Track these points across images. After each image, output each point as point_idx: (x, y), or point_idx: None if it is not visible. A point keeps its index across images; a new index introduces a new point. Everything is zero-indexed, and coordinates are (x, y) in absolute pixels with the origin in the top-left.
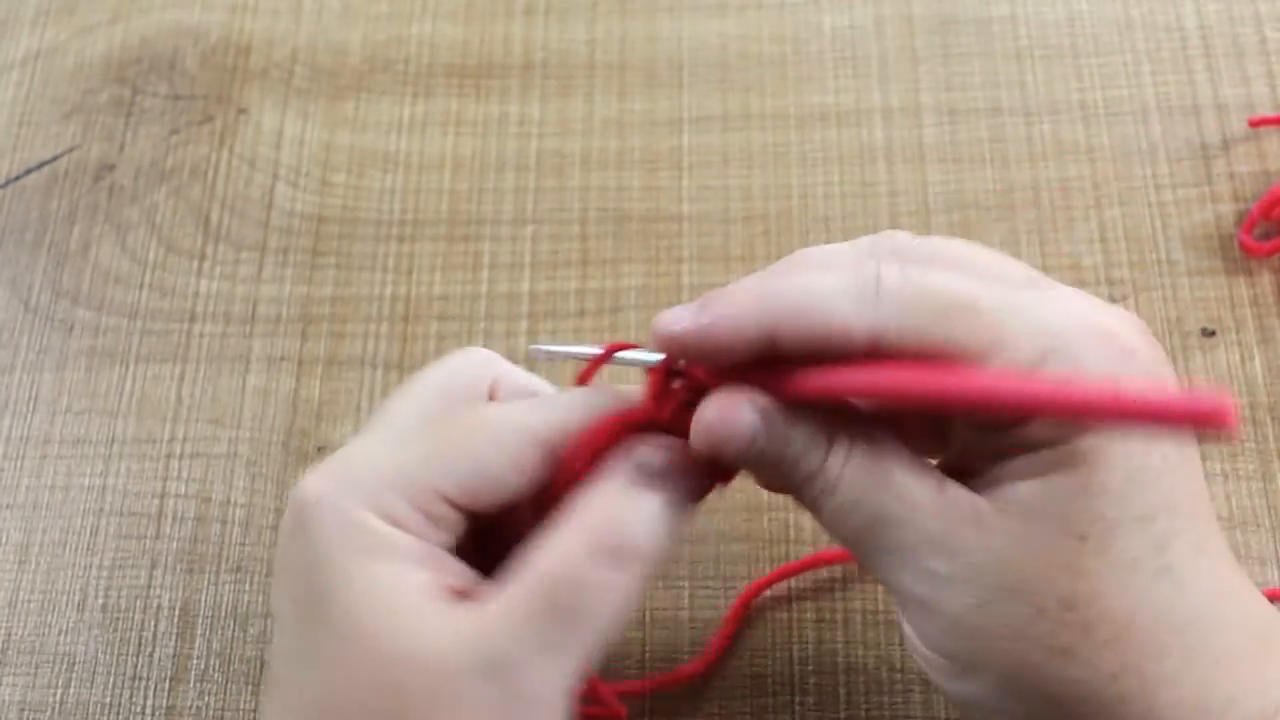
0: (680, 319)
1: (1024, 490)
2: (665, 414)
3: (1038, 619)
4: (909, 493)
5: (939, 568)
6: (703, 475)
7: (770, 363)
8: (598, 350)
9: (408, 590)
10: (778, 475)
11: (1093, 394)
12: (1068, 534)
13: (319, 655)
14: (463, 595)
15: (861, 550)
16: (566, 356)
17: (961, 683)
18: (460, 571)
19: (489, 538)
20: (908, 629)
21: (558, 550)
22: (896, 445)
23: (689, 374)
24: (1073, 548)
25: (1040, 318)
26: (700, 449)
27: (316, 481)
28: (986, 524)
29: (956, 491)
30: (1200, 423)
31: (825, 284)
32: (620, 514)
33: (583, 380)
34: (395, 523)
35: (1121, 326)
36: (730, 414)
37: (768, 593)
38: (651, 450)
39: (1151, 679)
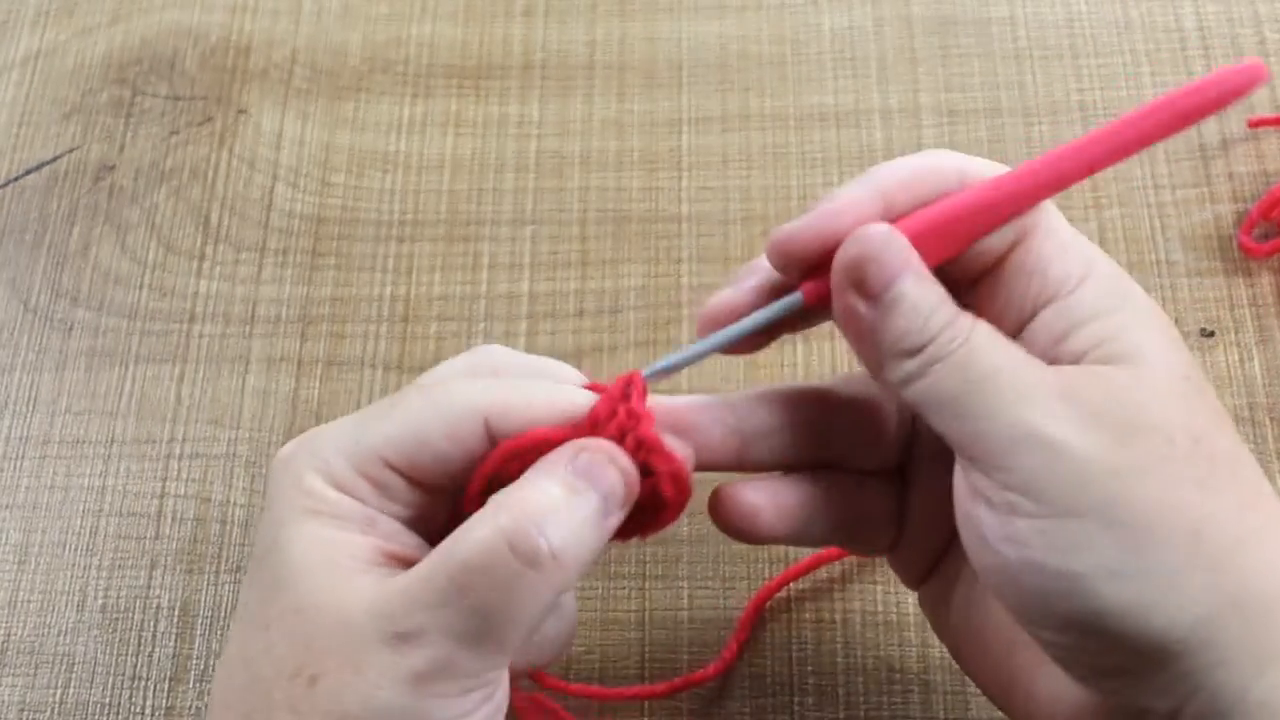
0: (796, 221)
1: (1114, 348)
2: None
3: (1172, 450)
4: (1028, 355)
5: (1067, 412)
6: (635, 506)
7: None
8: None
9: (338, 551)
10: (914, 319)
11: (1154, 110)
12: (1175, 376)
13: (251, 609)
14: (406, 563)
15: (976, 400)
16: None
17: (1075, 553)
18: (413, 543)
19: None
20: (1003, 500)
21: (476, 535)
22: None
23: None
24: (1183, 388)
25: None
26: (852, 266)
27: (286, 446)
28: (1101, 374)
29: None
30: (1245, 88)
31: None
32: (546, 514)
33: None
34: (340, 486)
35: None
36: (889, 248)
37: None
38: (594, 459)
39: (1271, 517)
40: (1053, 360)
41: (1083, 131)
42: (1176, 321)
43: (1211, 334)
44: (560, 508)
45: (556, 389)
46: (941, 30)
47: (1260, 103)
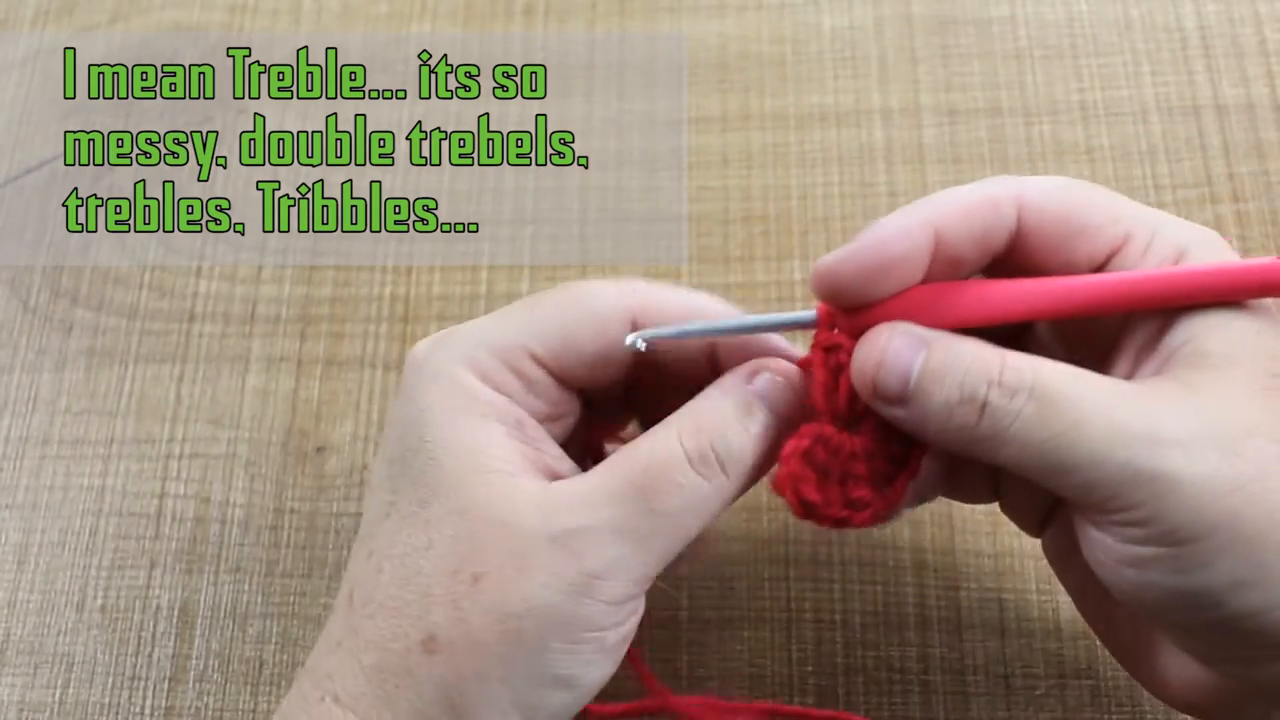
0: (840, 251)
1: (1203, 346)
2: (841, 404)
3: (1277, 451)
4: (1106, 380)
5: (1172, 436)
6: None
7: (923, 306)
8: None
9: (494, 454)
10: (954, 394)
11: (1234, 273)
12: (1268, 372)
13: (403, 509)
14: (554, 475)
15: (1070, 454)
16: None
17: (1200, 572)
18: (556, 454)
19: None
20: (1123, 534)
21: (654, 442)
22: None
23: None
24: (1275, 384)
25: (1140, 211)
26: (865, 385)
27: (422, 344)
28: (1193, 383)
29: (1140, 377)
30: None
31: (967, 185)
32: (724, 425)
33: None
34: (488, 379)
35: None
36: (893, 342)
37: (766, 593)
38: (771, 377)
39: None
40: (1145, 358)
41: (1083, 131)
42: None
43: None
44: (738, 421)
45: (696, 295)
46: (942, 30)
47: (1260, 102)
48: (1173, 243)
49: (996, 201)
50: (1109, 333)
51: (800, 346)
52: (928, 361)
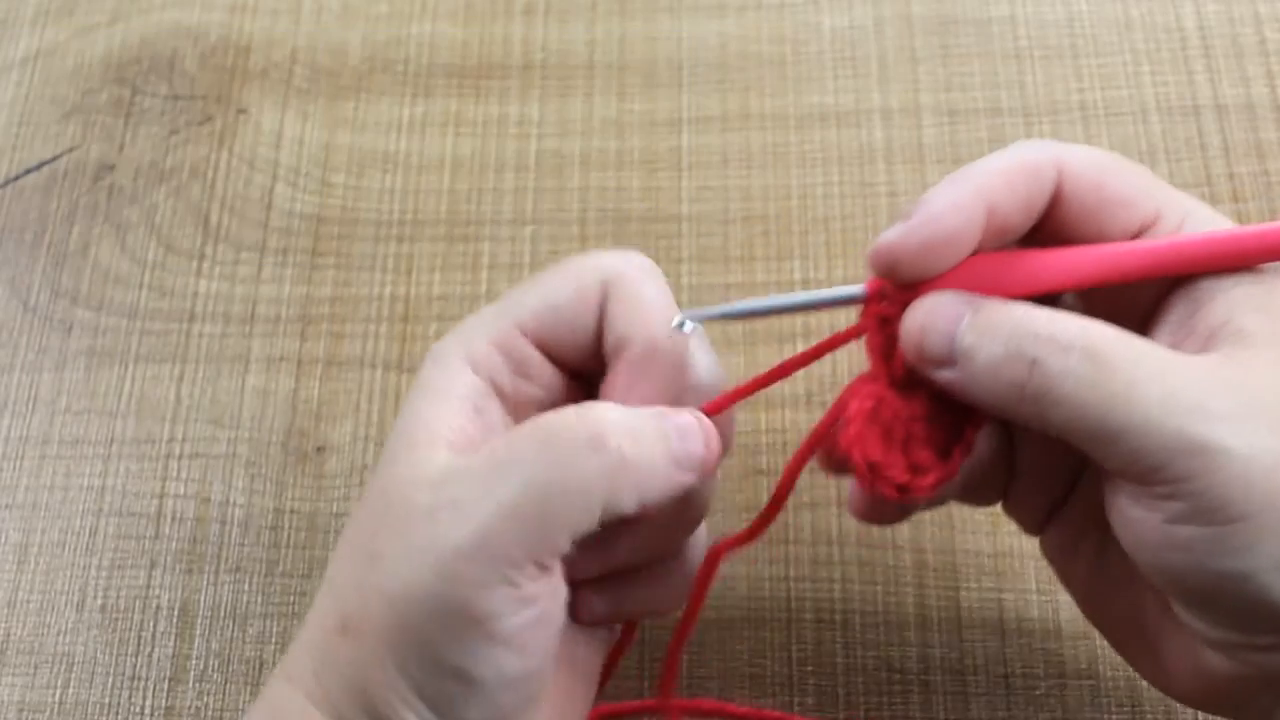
0: (898, 228)
1: (1245, 324)
2: (898, 368)
3: None
4: (1158, 347)
5: (1224, 410)
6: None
7: (974, 277)
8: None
9: (440, 429)
10: (999, 350)
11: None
12: None
13: (365, 488)
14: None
15: (1122, 417)
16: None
17: (1245, 554)
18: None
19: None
20: (1167, 511)
21: (549, 416)
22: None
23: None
24: None
25: (1172, 193)
26: (912, 348)
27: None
28: (1241, 361)
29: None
30: None
31: (1005, 151)
32: (628, 426)
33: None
34: (475, 363)
35: None
36: (939, 304)
37: (766, 593)
38: (688, 427)
39: None
40: (1184, 337)
41: (1083, 131)
42: None
43: None
44: (643, 430)
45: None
46: (942, 30)
47: (1260, 102)
48: (1207, 226)
49: (1038, 165)
50: (1137, 315)
51: None
52: (973, 320)
